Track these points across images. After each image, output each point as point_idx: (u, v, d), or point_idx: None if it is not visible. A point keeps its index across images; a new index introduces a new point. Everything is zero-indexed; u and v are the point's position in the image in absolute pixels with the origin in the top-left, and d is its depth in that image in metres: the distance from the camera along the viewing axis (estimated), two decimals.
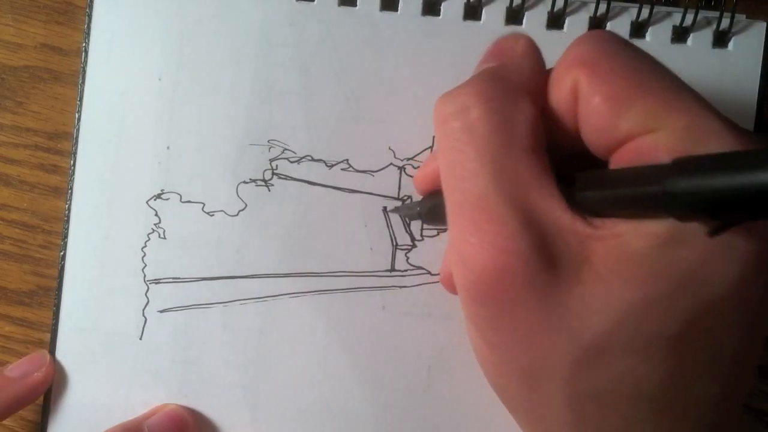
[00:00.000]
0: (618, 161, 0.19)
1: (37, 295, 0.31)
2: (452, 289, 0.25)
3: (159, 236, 0.29)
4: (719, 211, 0.16)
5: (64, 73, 0.31)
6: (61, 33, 0.31)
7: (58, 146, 0.31)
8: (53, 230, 0.31)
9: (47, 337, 0.30)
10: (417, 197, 0.29)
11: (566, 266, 0.18)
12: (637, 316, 0.18)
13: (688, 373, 0.18)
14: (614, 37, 0.20)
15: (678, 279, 0.18)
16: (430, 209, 0.26)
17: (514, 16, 0.29)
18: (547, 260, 0.18)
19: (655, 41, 0.29)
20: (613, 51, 0.19)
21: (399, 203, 0.29)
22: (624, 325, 0.18)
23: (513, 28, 0.29)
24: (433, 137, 0.29)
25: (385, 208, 0.29)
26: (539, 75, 0.21)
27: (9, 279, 0.31)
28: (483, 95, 0.20)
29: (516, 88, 0.20)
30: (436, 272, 0.29)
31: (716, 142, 0.17)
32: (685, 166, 0.17)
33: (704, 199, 0.16)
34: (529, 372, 0.19)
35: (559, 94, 0.20)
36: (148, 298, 0.29)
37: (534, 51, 0.22)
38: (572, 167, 0.20)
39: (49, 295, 0.30)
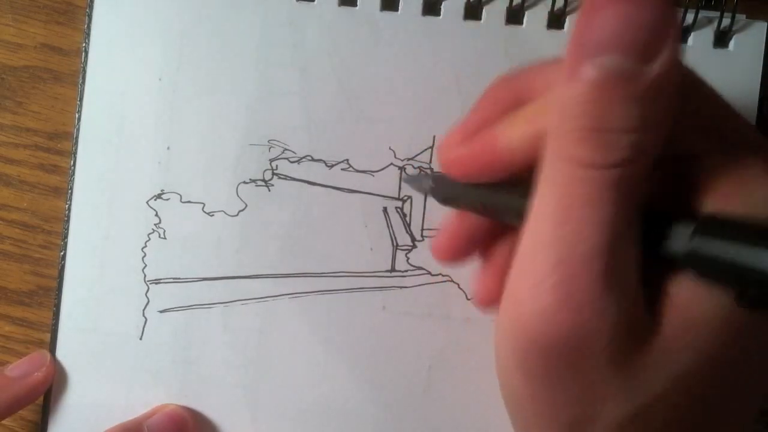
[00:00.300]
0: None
1: (37, 295, 0.31)
2: (487, 309, 0.23)
3: (159, 236, 0.29)
4: (744, 284, 0.15)
5: (64, 73, 0.31)
6: (61, 33, 0.31)
7: (58, 146, 0.31)
8: (53, 230, 0.31)
9: (47, 337, 0.30)
10: (417, 197, 0.29)
11: (640, 332, 0.18)
12: (689, 380, 0.18)
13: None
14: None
15: (735, 349, 0.18)
16: (449, 195, 0.23)
17: (514, 16, 0.29)
18: (628, 327, 0.17)
19: None
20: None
21: (399, 203, 0.29)
22: (675, 387, 0.18)
23: (513, 28, 0.29)
24: (434, 137, 0.29)
25: (385, 209, 0.29)
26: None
27: (9, 279, 0.31)
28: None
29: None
30: (437, 272, 0.29)
31: None
32: (712, 226, 0.16)
33: (723, 268, 0.15)
34: (572, 425, 0.19)
35: None
36: (148, 298, 0.29)
37: None
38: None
39: (49, 295, 0.30)
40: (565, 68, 0.16)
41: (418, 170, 0.29)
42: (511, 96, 0.21)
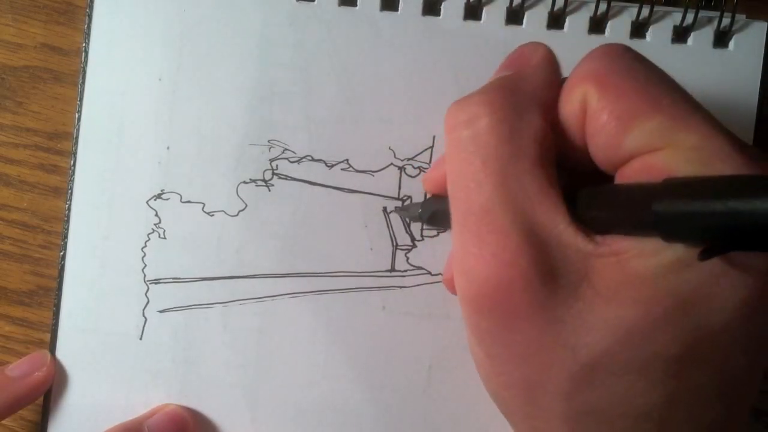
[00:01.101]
0: (623, 178, 0.19)
1: (37, 295, 0.31)
2: (454, 290, 0.25)
3: (159, 236, 0.29)
4: (706, 237, 0.16)
5: (64, 73, 0.31)
6: (61, 33, 0.31)
7: (58, 146, 0.31)
8: (53, 230, 0.31)
9: (47, 337, 0.30)
10: (417, 197, 0.29)
11: (567, 282, 0.18)
12: (636, 336, 0.18)
13: (689, 395, 0.18)
14: (627, 52, 0.20)
15: (679, 302, 0.17)
16: (433, 213, 0.26)
17: (514, 16, 0.29)
18: (548, 275, 0.18)
19: (656, 41, 0.29)
20: (624, 67, 0.19)
21: (399, 203, 0.29)
22: (622, 345, 0.18)
23: (513, 29, 0.29)
24: (434, 137, 0.29)
25: (385, 209, 0.29)
26: (553, 87, 0.21)
27: (9, 279, 0.31)
28: (493, 105, 0.20)
29: (527, 99, 0.20)
30: (437, 272, 0.29)
31: (722, 164, 0.17)
32: (674, 187, 0.17)
33: (690, 223, 0.16)
34: (528, 384, 0.19)
35: (568, 108, 0.20)
36: (148, 298, 0.29)
37: (550, 62, 0.21)
38: (581, 183, 0.20)
39: (49, 295, 0.31)
40: None
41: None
42: None
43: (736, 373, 0.18)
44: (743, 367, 0.18)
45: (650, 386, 0.18)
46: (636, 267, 0.18)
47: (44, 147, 0.31)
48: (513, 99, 0.20)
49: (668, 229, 0.17)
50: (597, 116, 0.19)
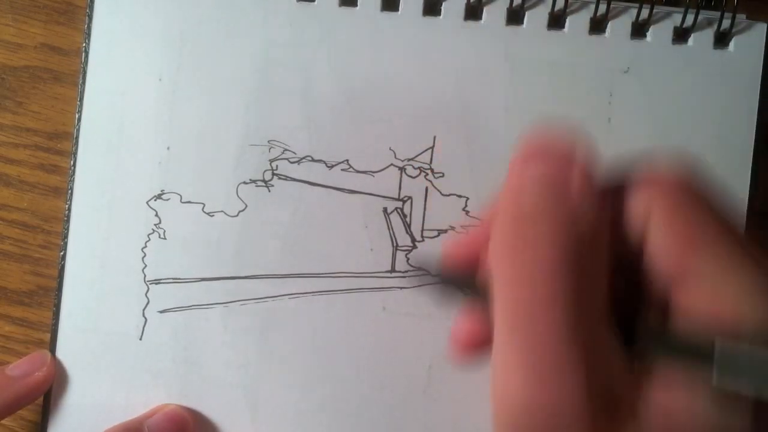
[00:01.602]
0: (681, 298, 0.19)
1: (37, 295, 0.31)
2: (464, 359, 0.23)
3: (159, 236, 0.29)
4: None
5: (64, 73, 0.31)
6: (61, 33, 0.31)
7: (58, 146, 0.31)
8: (53, 230, 0.31)
9: (47, 337, 0.30)
10: (418, 198, 0.29)
11: (618, 415, 0.18)
12: None
13: None
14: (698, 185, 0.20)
15: None
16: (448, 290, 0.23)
17: (514, 16, 0.29)
18: (604, 409, 0.17)
19: (656, 41, 0.29)
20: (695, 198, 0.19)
21: (399, 204, 0.29)
22: None
23: (514, 29, 0.29)
24: (434, 137, 0.29)
25: (385, 209, 0.29)
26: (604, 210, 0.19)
27: (9, 279, 0.31)
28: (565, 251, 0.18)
29: (594, 237, 0.19)
30: (437, 273, 0.29)
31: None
32: (735, 355, 0.17)
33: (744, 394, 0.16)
34: None
35: (631, 210, 0.19)
36: (148, 298, 0.29)
37: (592, 183, 0.19)
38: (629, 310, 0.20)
39: (49, 295, 0.30)
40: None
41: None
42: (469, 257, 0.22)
43: None
44: None
45: None
46: (679, 418, 0.18)
47: (44, 147, 0.31)
48: (583, 238, 0.18)
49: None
50: (663, 235, 0.19)
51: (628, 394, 0.18)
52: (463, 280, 0.23)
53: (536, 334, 0.17)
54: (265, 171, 0.30)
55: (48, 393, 0.29)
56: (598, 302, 0.18)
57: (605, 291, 0.19)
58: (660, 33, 0.29)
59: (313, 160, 0.29)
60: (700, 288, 0.18)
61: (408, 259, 0.29)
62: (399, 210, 0.29)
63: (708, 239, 0.18)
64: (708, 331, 0.17)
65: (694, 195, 0.19)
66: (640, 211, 0.19)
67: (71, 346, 0.29)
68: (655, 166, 0.20)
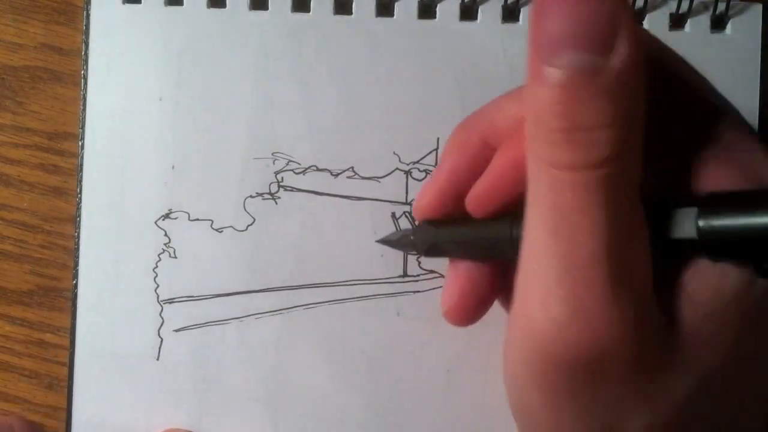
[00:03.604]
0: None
1: (37, 295, 0.31)
2: (459, 322, 0.24)
3: (169, 256, 0.29)
4: (760, 253, 0.15)
5: (64, 73, 0.31)
6: (61, 33, 0.31)
7: (58, 146, 0.31)
8: (53, 230, 0.31)
9: (47, 337, 0.30)
10: None
11: (657, 335, 0.17)
12: (724, 379, 0.17)
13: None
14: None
15: (755, 333, 0.17)
16: (433, 245, 0.23)
17: (510, 13, 0.29)
18: (645, 334, 0.17)
19: (653, 28, 0.29)
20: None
21: (408, 207, 0.29)
22: (711, 389, 0.17)
23: (509, 26, 0.29)
24: (437, 139, 0.29)
25: (393, 214, 0.29)
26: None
27: (9, 279, 0.31)
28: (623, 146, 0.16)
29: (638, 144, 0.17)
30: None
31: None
32: (718, 202, 0.16)
33: (737, 243, 0.15)
34: (607, 429, 0.18)
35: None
36: (162, 318, 0.29)
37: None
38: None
39: (49, 294, 0.31)
40: (529, 74, 0.16)
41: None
42: (474, 141, 0.22)
43: None
44: None
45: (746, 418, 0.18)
46: (709, 307, 0.17)
47: (44, 147, 0.31)
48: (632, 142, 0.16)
49: (715, 248, 0.16)
50: None
51: (660, 309, 0.17)
52: (451, 229, 0.22)
53: (579, 262, 0.16)
54: (270, 183, 0.30)
55: (69, 419, 0.29)
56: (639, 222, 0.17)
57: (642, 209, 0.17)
58: (657, 20, 0.29)
59: (318, 169, 0.30)
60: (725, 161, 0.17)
61: (419, 262, 0.29)
62: (407, 214, 0.29)
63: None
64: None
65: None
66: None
67: (89, 371, 0.29)
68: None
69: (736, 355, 0.17)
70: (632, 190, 0.16)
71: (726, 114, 0.19)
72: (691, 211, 0.16)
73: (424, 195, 0.23)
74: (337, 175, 0.30)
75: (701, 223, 0.16)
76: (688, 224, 0.16)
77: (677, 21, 0.29)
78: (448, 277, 0.24)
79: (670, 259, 0.17)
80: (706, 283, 0.17)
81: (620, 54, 0.15)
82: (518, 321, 0.18)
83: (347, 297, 0.29)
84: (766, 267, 0.15)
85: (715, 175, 0.17)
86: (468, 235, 0.21)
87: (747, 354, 0.18)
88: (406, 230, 0.25)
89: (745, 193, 0.16)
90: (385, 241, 0.26)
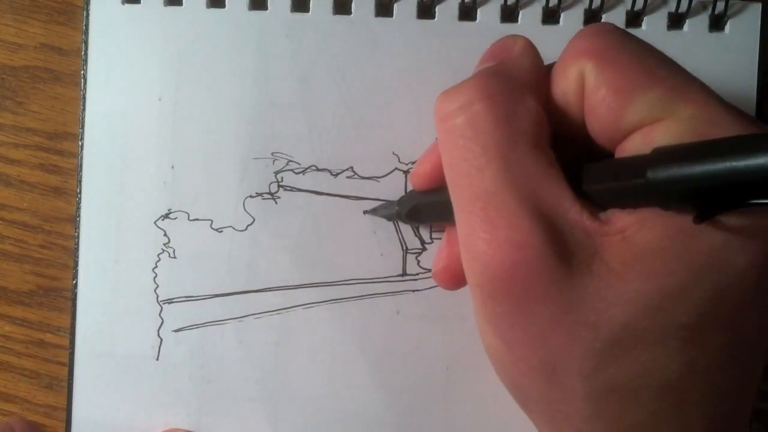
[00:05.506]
0: (623, 153, 0.19)
1: (37, 295, 0.31)
2: (445, 283, 0.26)
3: (169, 256, 0.29)
4: (702, 201, 0.16)
5: (64, 73, 0.31)
6: (61, 33, 0.31)
7: (58, 146, 0.31)
8: (53, 230, 0.31)
9: (47, 337, 0.30)
10: None
11: (580, 260, 0.18)
12: (653, 308, 0.18)
13: (707, 361, 0.18)
14: (618, 28, 0.20)
15: (692, 271, 0.18)
16: (413, 208, 0.26)
17: (509, 13, 0.29)
18: (560, 254, 0.18)
19: (652, 29, 0.29)
20: (618, 42, 0.20)
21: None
22: (641, 318, 0.18)
23: (509, 26, 0.29)
24: (436, 138, 0.29)
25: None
26: (540, 71, 0.21)
27: (9, 279, 0.31)
28: (486, 90, 0.20)
29: (518, 83, 0.20)
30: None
31: (720, 131, 0.17)
32: (666, 153, 0.17)
33: (683, 186, 0.16)
34: (547, 367, 0.19)
35: (564, 86, 0.20)
36: (162, 318, 0.29)
37: (532, 49, 0.22)
38: (579, 164, 0.20)
39: (49, 295, 0.31)
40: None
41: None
42: None
43: (750, 336, 0.19)
44: (757, 329, 0.19)
45: (671, 355, 0.18)
46: (641, 241, 0.18)
47: (44, 147, 0.31)
48: (504, 84, 0.20)
49: (664, 196, 0.17)
50: (596, 91, 0.19)
51: (589, 239, 0.18)
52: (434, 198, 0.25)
53: (485, 205, 0.19)
54: (270, 183, 0.30)
55: (69, 420, 0.29)
56: (540, 153, 0.19)
57: (547, 138, 0.20)
58: (655, 20, 0.29)
59: (317, 169, 0.30)
60: (635, 136, 0.19)
61: (418, 261, 0.29)
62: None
63: (639, 84, 0.19)
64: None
65: (617, 47, 0.20)
66: (574, 83, 0.20)
67: (89, 371, 0.29)
68: (575, 39, 0.20)
69: (670, 294, 0.18)
70: (510, 127, 0.19)
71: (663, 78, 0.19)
72: (642, 161, 0.18)
73: (421, 163, 0.26)
74: (336, 174, 0.30)
75: (651, 173, 0.17)
76: (638, 173, 0.18)
77: (676, 21, 0.29)
78: (441, 242, 0.26)
79: (624, 207, 0.19)
80: (642, 224, 0.18)
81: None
82: (464, 263, 0.20)
83: (347, 296, 0.29)
84: (705, 212, 0.17)
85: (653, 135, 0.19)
86: (444, 199, 0.23)
87: (678, 293, 0.18)
88: (392, 201, 0.28)
89: (688, 144, 0.17)
90: (373, 211, 0.29)
